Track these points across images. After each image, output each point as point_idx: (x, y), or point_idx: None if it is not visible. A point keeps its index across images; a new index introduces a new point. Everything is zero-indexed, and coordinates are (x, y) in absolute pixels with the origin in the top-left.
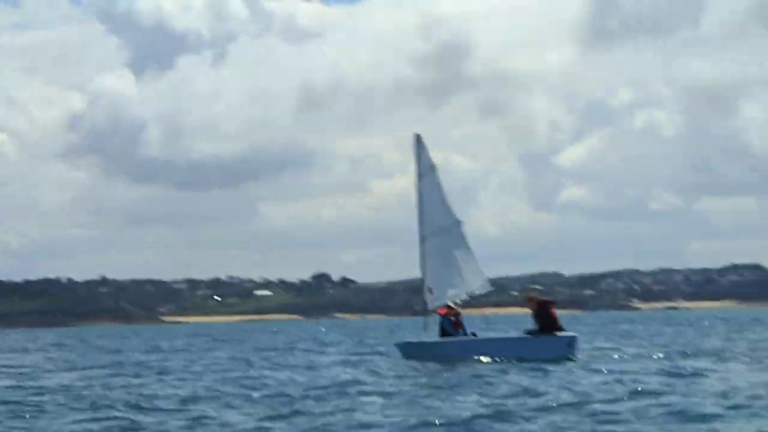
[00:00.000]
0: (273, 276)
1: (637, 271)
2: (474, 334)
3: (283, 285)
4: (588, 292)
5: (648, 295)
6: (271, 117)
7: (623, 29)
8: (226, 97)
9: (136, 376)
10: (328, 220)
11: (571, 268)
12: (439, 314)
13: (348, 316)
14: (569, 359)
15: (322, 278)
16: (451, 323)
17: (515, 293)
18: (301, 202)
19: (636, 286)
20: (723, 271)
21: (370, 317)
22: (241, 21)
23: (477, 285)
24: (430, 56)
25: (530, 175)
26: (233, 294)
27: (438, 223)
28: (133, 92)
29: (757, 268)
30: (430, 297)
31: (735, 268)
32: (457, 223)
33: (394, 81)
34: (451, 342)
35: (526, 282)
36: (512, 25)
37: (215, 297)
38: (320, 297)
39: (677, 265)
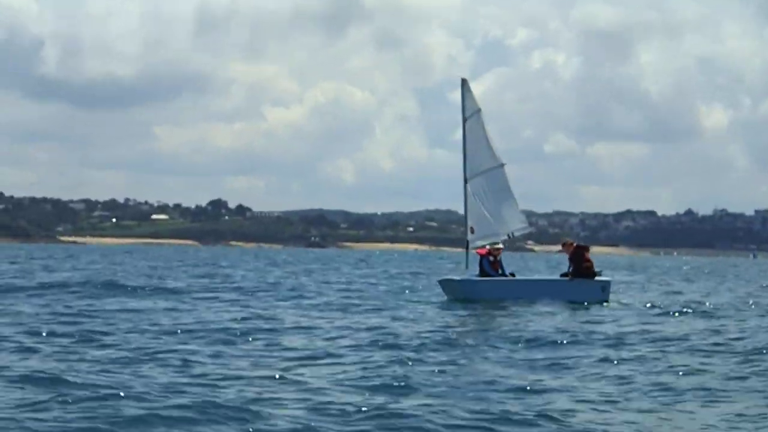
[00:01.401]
0: (169, 200)
1: (532, 213)
2: (512, 274)
3: (179, 210)
4: None
5: (543, 238)
6: (167, 39)
7: None
8: (122, 17)
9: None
10: (223, 146)
11: None
12: (479, 254)
13: (242, 244)
14: (604, 302)
15: (218, 204)
16: (489, 263)
17: (410, 229)
18: (196, 127)
19: (532, 228)
20: (618, 217)
21: (266, 246)
22: None
23: (516, 226)
24: None
25: (426, 110)
26: (129, 217)
27: (481, 164)
28: (32, 9)
29: (651, 214)
30: (472, 236)
31: (629, 213)
32: (500, 166)
33: (292, 8)
34: (493, 281)
35: (420, 218)
36: None
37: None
38: (216, 223)
39: (572, 209)
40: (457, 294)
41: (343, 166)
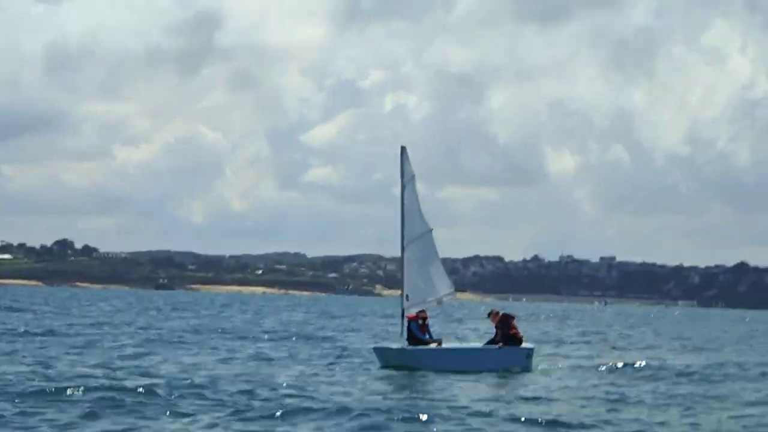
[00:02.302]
0: (13, 239)
1: (381, 257)
2: (440, 341)
3: (24, 249)
4: (332, 275)
5: (392, 282)
6: (18, 76)
7: (377, 10)
8: None
9: None
10: (72, 185)
11: (316, 249)
12: (408, 318)
13: (89, 285)
14: (527, 370)
15: (64, 244)
16: (418, 326)
17: (259, 272)
18: (44, 166)
19: (380, 272)
20: (466, 262)
21: (113, 287)
22: None
23: (444, 292)
24: (183, 24)
25: (277, 151)
26: None
27: (415, 230)
28: None
29: (498, 260)
30: (407, 303)
31: (477, 259)
32: (429, 231)
33: (146, 47)
34: (427, 351)
35: (269, 261)
36: None
37: None
38: (62, 264)
39: None
40: (392, 362)
41: (193, 207)
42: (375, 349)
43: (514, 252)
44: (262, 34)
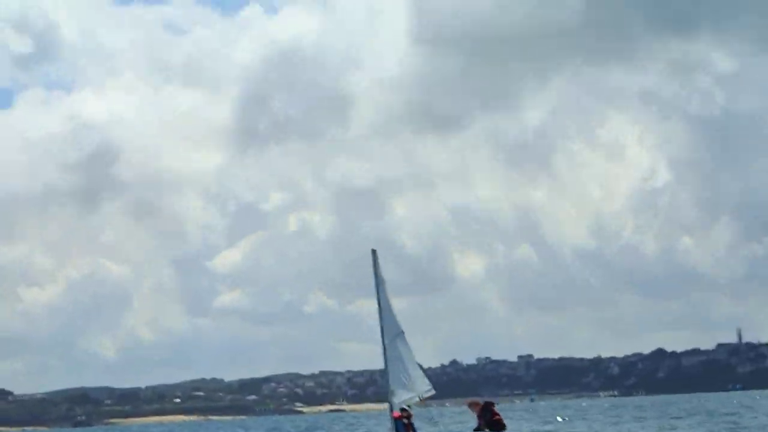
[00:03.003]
0: None
1: (298, 375)
2: None
3: None
4: (251, 397)
5: (311, 399)
6: None
7: (273, 132)
8: None
9: None
10: None
11: (232, 373)
12: (394, 417)
13: (6, 429)
14: None
15: None
16: (403, 426)
17: (177, 400)
18: None
19: (299, 390)
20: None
21: (30, 429)
22: None
23: (424, 389)
24: (80, 161)
25: (184, 279)
26: None
27: (392, 331)
28: None
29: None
30: (393, 399)
31: None
32: (402, 332)
33: (42, 186)
34: None
35: (186, 389)
36: (162, 128)
37: None
38: None
39: (338, 368)
40: None
41: (103, 342)
42: None
43: (432, 359)
44: (159, 163)
